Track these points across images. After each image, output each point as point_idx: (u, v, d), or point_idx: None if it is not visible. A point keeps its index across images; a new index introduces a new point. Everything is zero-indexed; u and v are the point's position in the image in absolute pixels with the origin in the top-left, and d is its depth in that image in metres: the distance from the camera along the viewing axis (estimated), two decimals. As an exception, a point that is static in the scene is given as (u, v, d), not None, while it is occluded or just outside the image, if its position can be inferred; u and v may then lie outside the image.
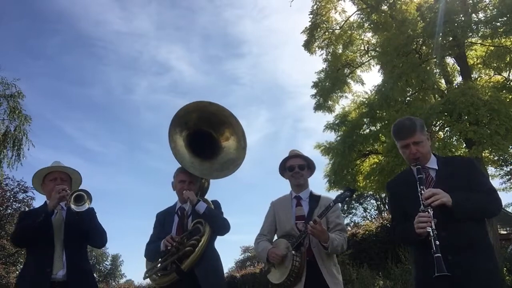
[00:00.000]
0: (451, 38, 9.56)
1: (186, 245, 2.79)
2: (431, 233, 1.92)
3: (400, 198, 2.34)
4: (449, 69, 11.58)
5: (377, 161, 12.17)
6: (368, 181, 11.75)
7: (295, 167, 3.02)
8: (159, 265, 2.94)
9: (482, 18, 9.55)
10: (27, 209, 17.60)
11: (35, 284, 2.64)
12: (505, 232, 18.69)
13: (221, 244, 3.08)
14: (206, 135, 3.32)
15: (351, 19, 13.18)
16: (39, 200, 18.32)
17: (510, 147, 9.33)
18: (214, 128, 3.33)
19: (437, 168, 2.27)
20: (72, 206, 2.72)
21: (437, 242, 1.89)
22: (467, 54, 10.80)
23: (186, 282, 2.78)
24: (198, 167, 3.16)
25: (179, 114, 3.17)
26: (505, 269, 8.04)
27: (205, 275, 2.80)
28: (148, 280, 3.05)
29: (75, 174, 3.05)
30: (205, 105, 3.25)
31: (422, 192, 2.07)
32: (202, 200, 3.01)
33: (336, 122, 13.01)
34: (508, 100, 9.51)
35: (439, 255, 1.85)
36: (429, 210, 1.99)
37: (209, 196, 3.31)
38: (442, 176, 2.21)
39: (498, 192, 2.22)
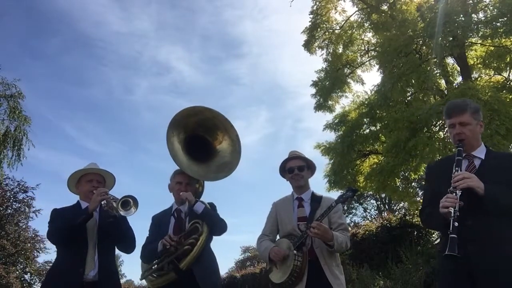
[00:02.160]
0: (451, 38, 9.54)
1: (185, 244, 2.81)
2: (452, 214, 1.89)
3: (434, 180, 2.29)
4: (449, 69, 11.58)
5: (377, 161, 12.18)
6: (368, 181, 11.75)
7: (294, 169, 3.02)
8: (155, 266, 2.95)
9: (482, 18, 9.55)
10: (27, 209, 17.62)
11: (68, 283, 2.70)
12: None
13: (221, 244, 3.11)
14: (201, 139, 3.40)
15: (351, 19, 13.20)
16: (39, 200, 18.37)
17: (511, 146, 9.32)
18: (208, 132, 3.41)
19: (483, 158, 2.17)
20: (121, 212, 2.83)
21: (456, 224, 1.86)
22: (467, 54, 10.80)
23: (184, 281, 2.79)
24: (195, 169, 3.22)
25: (177, 118, 3.23)
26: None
27: (203, 274, 2.82)
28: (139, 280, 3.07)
29: (109, 176, 3.14)
30: (200, 110, 3.34)
31: (455, 173, 2.03)
32: (200, 201, 3.03)
33: (335, 121, 13.03)
34: (508, 100, 9.50)
35: (455, 236, 1.83)
36: (457, 192, 1.95)
37: (208, 198, 3.34)
38: (486, 167, 2.12)
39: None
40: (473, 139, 2.18)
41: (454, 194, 1.96)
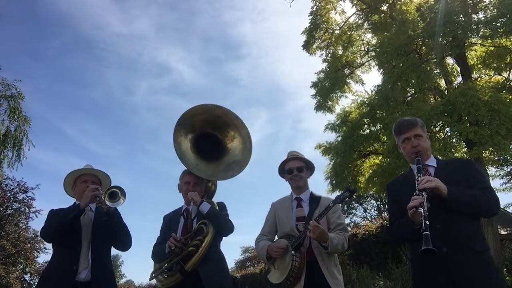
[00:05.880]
0: (451, 39, 9.55)
1: (189, 245, 2.79)
2: (422, 213, 1.94)
3: (398, 197, 2.35)
4: (449, 69, 11.57)
5: (378, 162, 12.17)
6: (370, 184, 11.76)
7: (294, 170, 3.02)
8: (165, 265, 2.93)
9: (482, 19, 9.56)
10: (27, 209, 17.61)
11: (61, 281, 2.67)
12: (505, 232, 18.69)
13: (221, 244, 3.08)
14: (212, 138, 3.33)
15: (351, 20, 13.19)
16: (39, 200, 18.34)
17: (511, 146, 9.31)
18: (219, 130, 3.34)
19: (436, 166, 2.31)
20: (107, 203, 2.80)
21: (427, 222, 1.91)
22: (467, 54, 10.80)
23: (190, 282, 2.78)
24: (203, 169, 3.17)
25: (185, 117, 3.17)
26: (505, 269, 8.04)
27: (209, 275, 2.79)
28: (148, 281, 3.05)
29: (104, 177, 3.11)
30: (210, 108, 3.26)
31: (419, 179, 2.11)
32: (206, 201, 3.01)
33: (336, 122, 13.02)
34: (508, 100, 9.50)
35: (428, 233, 1.87)
36: (423, 194, 2.02)
37: (215, 198, 3.31)
38: (440, 173, 2.23)
39: (497, 192, 2.23)
40: (427, 150, 2.34)
41: (420, 195, 2.02)
